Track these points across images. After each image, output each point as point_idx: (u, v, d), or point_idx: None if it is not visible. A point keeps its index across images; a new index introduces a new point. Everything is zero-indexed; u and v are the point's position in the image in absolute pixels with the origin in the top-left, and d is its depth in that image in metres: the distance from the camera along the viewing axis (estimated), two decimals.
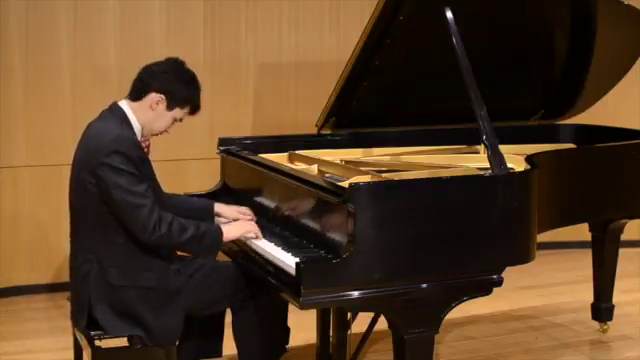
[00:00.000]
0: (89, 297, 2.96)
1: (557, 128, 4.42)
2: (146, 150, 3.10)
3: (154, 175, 3.06)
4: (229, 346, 3.40)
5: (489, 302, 3.37)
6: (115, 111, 3.03)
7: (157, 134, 3.14)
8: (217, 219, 3.30)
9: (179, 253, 3.13)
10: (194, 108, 3.11)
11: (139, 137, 3.04)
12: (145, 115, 3.04)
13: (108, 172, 2.86)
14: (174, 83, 3.02)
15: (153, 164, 3.08)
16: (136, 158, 2.90)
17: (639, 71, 4.45)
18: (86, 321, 2.99)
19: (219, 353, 3.42)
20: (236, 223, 3.19)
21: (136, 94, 3.04)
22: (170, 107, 3.04)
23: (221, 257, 3.36)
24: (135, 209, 2.86)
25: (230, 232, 3.08)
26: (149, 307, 2.96)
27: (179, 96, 3.04)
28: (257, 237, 3.10)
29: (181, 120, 3.12)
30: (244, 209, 3.33)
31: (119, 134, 2.93)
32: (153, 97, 3.02)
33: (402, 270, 2.75)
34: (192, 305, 3.06)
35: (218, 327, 3.38)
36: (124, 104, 3.05)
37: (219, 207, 3.33)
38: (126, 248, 2.94)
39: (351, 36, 4.18)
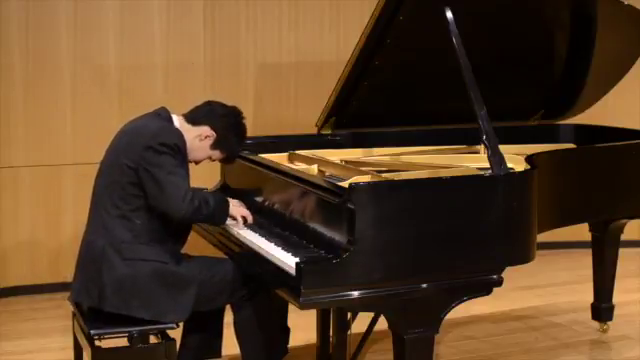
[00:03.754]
0: (101, 272, 3.02)
1: (557, 128, 4.42)
2: None
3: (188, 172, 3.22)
4: (229, 346, 3.40)
5: (489, 302, 3.37)
6: (161, 112, 3.20)
7: (189, 161, 3.26)
8: None
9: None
10: (231, 158, 3.37)
11: None
12: (189, 139, 3.19)
13: (152, 154, 3.02)
14: (228, 129, 3.25)
15: None
16: (177, 147, 3.06)
17: (639, 71, 4.45)
18: (97, 298, 3.02)
19: (219, 354, 3.43)
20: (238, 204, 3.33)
21: (192, 119, 3.23)
22: (214, 146, 3.24)
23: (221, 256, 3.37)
24: (172, 188, 3.01)
25: (232, 208, 3.24)
26: (161, 282, 3.02)
27: (226, 142, 3.26)
28: (245, 222, 3.26)
29: (213, 161, 3.34)
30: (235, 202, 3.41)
31: (165, 125, 3.13)
32: (206, 130, 3.21)
33: (402, 270, 2.75)
34: (196, 294, 3.08)
35: (217, 327, 3.40)
36: (175, 116, 3.21)
37: None
38: (142, 228, 3.06)
39: (351, 36, 4.18)
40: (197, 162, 3.29)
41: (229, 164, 3.39)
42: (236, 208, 3.26)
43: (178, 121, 3.20)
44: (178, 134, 3.11)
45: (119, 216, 3.06)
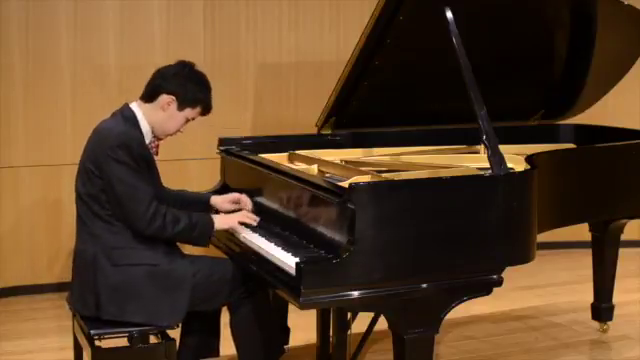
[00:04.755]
0: (94, 280, 3.01)
1: (557, 128, 4.42)
2: (154, 151, 3.23)
3: (157, 173, 3.19)
4: (229, 346, 3.40)
5: (489, 302, 3.37)
6: (125, 111, 3.16)
7: (171, 134, 3.23)
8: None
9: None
10: (205, 108, 3.22)
11: (148, 137, 3.16)
12: (156, 116, 3.15)
13: (111, 164, 2.98)
14: (184, 84, 3.14)
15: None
16: (137, 154, 3.01)
17: (639, 71, 4.45)
18: (93, 305, 3.02)
19: (217, 353, 3.43)
20: (229, 215, 3.28)
21: (148, 96, 3.17)
22: (181, 107, 3.16)
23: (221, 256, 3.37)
24: (133, 202, 2.98)
25: (221, 222, 3.19)
26: (154, 285, 3.01)
27: (189, 97, 3.15)
28: (252, 223, 3.21)
29: (193, 119, 3.23)
30: (239, 196, 3.39)
31: (124, 131, 3.06)
32: (164, 98, 3.14)
33: (402, 270, 2.75)
34: (192, 295, 3.08)
35: (215, 326, 3.40)
36: (135, 106, 3.17)
37: (214, 199, 3.42)
38: (129, 232, 3.04)
39: (351, 36, 4.18)
40: (179, 131, 3.22)
41: (207, 114, 3.22)
42: (233, 218, 3.22)
43: (139, 109, 3.14)
44: (136, 139, 3.04)
45: (102, 223, 3.04)
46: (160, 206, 3.03)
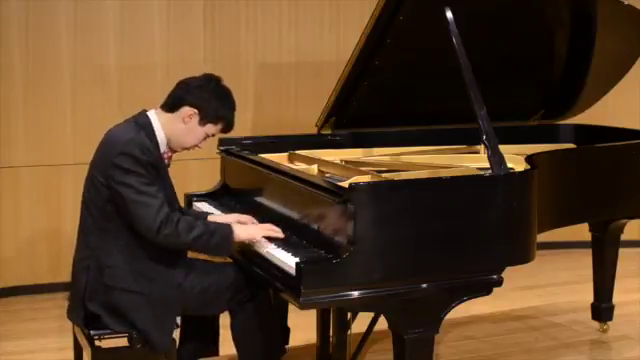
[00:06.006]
0: (83, 293, 2.99)
1: (557, 128, 4.42)
2: (167, 162, 3.13)
3: (169, 183, 3.10)
4: (228, 346, 3.40)
5: (489, 302, 3.37)
6: (139, 118, 3.06)
7: (188, 148, 3.14)
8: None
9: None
10: (227, 125, 3.13)
11: (162, 147, 3.06)
12: (175, 127, 3.06)
13: (117, 172, 2.90)
14: (208, 99, 3.05)
15: None
16: (144, 161, 2.92)
17: (639, 71, 4.45)
18: (83, 317, 3.01)
19: (216, 352, 3.43)
20: (251, 226, 3.14)
21: (170, 106, 3.08)
22: (202, 122, 3.07)
23: (221, 257, 3.37)
24: (142, 208, 2.89)
25: (243, 233, 3.04)
26: (142, 313, 2.96)
27: (212, 112, 3.06)
28: (279, 236, 3.04)
29: (213, 136, 3.14)
30: (237, 217, 3.26)
31: (131, 138, 2.96)
32: (186, 111, 3.04)
33: (402, 270, 2.75)
34: (189, 307, 3.06)
35: (214, 326, 3.40)
36: (153, 113, 3.08)
37: (213, 218, 3.27)
38: (127, 251, 2.97)
39: (351, 36, 4.18)
40: (197, 146, 3.13)
41: (228, 132, 3.16)
42: (257, 230, 3.06)
43: (157, 117, 3.05)
44: (143, 146, 2.93)
45: (102, 238, 2.96)
46: (172, 213, 2.93)
